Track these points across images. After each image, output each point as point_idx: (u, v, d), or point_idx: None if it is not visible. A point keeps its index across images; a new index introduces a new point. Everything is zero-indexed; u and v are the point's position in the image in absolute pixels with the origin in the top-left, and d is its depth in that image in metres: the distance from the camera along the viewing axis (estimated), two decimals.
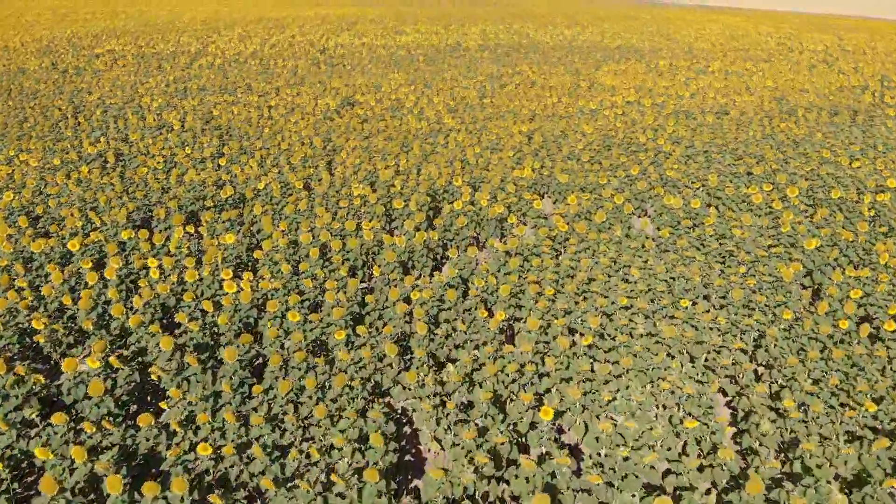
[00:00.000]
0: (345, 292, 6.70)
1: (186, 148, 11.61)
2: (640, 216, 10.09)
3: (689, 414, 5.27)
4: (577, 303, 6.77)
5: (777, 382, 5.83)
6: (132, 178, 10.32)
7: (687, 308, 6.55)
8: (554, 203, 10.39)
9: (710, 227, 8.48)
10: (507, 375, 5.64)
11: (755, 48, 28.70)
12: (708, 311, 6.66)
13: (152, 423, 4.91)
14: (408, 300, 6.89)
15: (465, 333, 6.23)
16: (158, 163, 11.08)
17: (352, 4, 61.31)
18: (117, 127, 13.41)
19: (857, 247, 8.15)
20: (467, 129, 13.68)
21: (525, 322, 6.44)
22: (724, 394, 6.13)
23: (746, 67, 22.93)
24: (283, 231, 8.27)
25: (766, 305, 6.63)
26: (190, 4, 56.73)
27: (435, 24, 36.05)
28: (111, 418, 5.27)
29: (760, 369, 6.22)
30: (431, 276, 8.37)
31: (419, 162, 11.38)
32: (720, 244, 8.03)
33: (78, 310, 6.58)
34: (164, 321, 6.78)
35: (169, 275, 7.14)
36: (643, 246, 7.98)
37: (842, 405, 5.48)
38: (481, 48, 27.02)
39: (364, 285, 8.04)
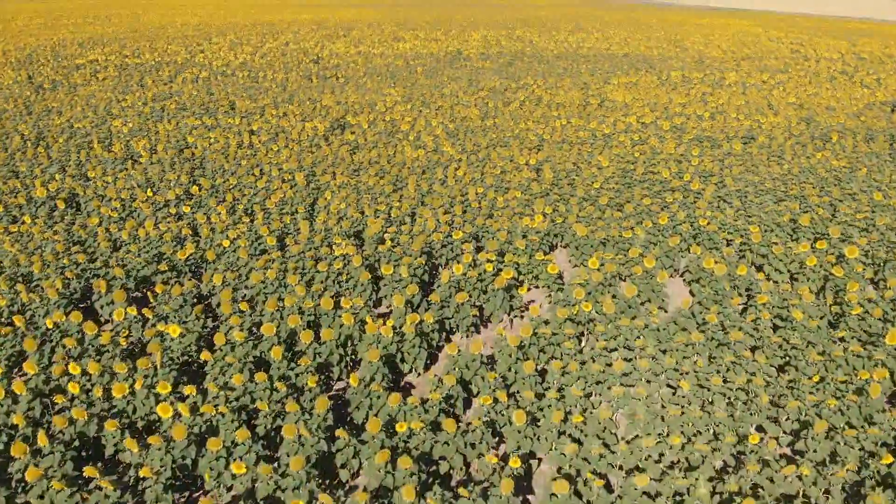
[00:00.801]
0: (306, 423, 5.10)
1: (149, 189, 10.00)
2: (671, 274, 8.50)
3: None
4: (612, 442, 5.17)
5: None
6: (79, 233, 8.72)
7: (758, 446, 4.96)
8: (570, 259, 8.79)
9: (764, 306, 6.89)
10: None
11: (768, 56, 27.04)
12: (783, 458, 5.07)
13: None
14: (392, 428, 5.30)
15: (470, 487, 4.64)
16: (114, 209, 9.50)
17: (350, 6, 59.54)
18: (79, 159, 11.80)
19: None
20: (468, 159, 12.07)
21: (543, 463, 4.87)
22: None
23: (764, 80, 21.29)
24: (242, 314, 6.68)
25: (859, 446, 5.02)
26: (187, 7, 55.07)
27: (435, 30, 34.36)
28: None
29: None
30: (427, 367, 6.79)
31: (414, 204, 9.78)
32: (782, 338, 6.41)
33: None
34: (83, 454, 5.20)
35: (91, 389, 5.56)
36: (688, 344, 6.32)
37: None
38: (483, 57, 25.37)
39: (342, 383, 6.46)
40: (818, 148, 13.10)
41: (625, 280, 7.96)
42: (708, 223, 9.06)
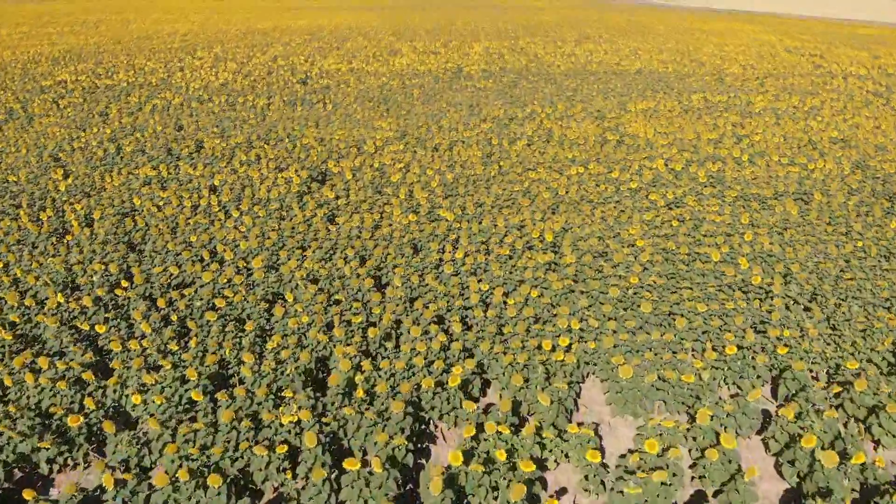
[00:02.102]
0: None
1: (59, 294, 7.57)
2: (749, 435, 6.09)
3: None
4: None
5: None
6: None
7: None
8: (606, 394, 6.39)
9: None
10: None
11: (792, 73, 24.49)
12: None
13: None
14: None
15: None
16: (10, 324, 7.11)
17: (349, 8, 56.80)
18: None
19: None
20: (469, 228, 9.64)
21: None
22: None
23: (794, 104, 18.79)
24: None
25: None
26: (183, 11, 52.48)
27: (434, 41, 31.79)
28: None
29: None
30: None
31: (400, 312, 7.36)
32: None
33: None
34: None
35: None
36: None
37: None
38: (485, 75, 22.85)
39: None
40: (886, 210, 10.66)
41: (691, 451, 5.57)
42: (788, 350, 6.64)
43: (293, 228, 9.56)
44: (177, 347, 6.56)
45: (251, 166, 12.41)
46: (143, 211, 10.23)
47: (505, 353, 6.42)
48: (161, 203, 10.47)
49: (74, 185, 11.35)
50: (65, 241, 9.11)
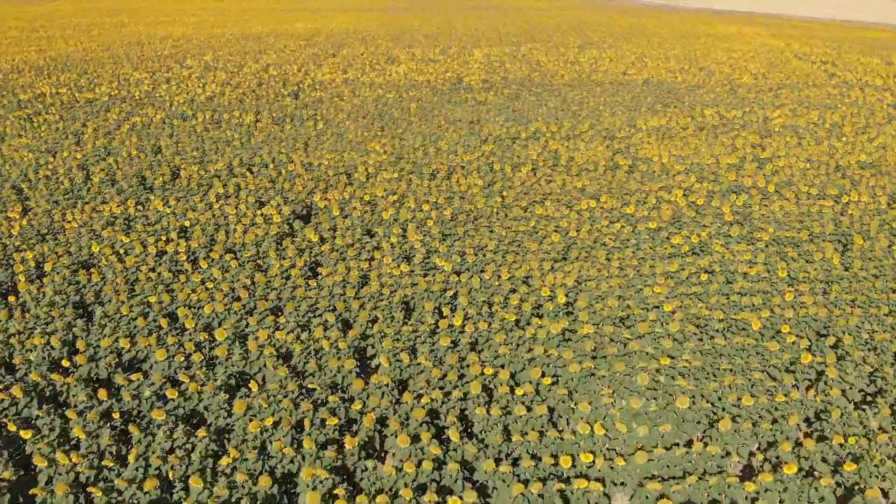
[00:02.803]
0: None
1: None
2: None
3: None
4: None
5: None
6: None
7: None
8: None
9: None
10: None
11: (805, 83, 23.13)
12: None
13: None
14: None
15: None
16: None
17: (349, 10, 55.29)
18: None
19: None
20: (468, 282, 8.35)
21: None
22: None
23: (814, 121, 17.46)
24: None
25: None
26: (180, 13, 51.12)
27: (433, 47, 30.41)
28: None
29: None
30: None
31: (377, 429, 6.09)
32: None
33: None
34: None
35: None
36: None
37: None
38: (485, 87, 21.51)
39: None
40: None
41: None
42: (856, 465, 5.36)
43: (268, 283, 8.27)
44: (112, 463, 5.29)
45: (229, 200, 11.11)
46: (101, 260, 8.93)
47: (514, 476, 5.14)
48: (122, 250, 9.18)
49: (31, 225, 10.06)
50: (6, 304, 7.83)
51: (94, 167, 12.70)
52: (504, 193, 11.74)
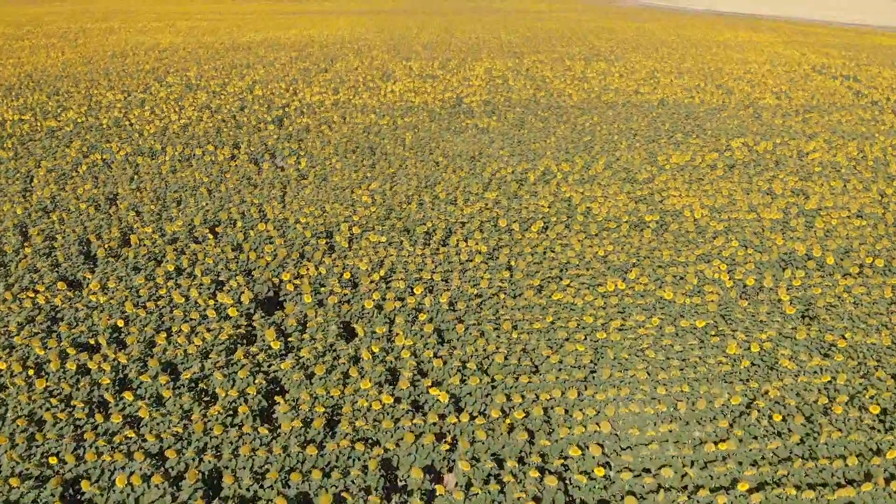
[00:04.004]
0: None
1: None
2: None
3: None
4: None
5: None
6: None
7: None
8: None
9: None
10: None
11: (831, 103, 20.91)
12: None
13: None
14: None
15: None
16: None
17: (346, 12, 52.80)
18: None
19: None
20: (471, 435, 6.24)
21: None
22: None
23: (853, 156, 15.28)
24: None
25: None
26: (172, 18, 48.80)
27: (432, 60, 28.14)
28: None
29: None
30: None
31: None
32: None
33: None
34: None
35: None
36: None
37: None
38: (488, 110, 19.30)
39: None
40: None
41: None
42: None
43: (206, 429, 6.14)
44: None
45: (181, 279, 8.96)
46: (6, 383, 6.80)
47: None
48: (33, 371, 7.03)
49: None
50: None
51: (32, 229, 10.54)
52: (512, 263, 9.61)
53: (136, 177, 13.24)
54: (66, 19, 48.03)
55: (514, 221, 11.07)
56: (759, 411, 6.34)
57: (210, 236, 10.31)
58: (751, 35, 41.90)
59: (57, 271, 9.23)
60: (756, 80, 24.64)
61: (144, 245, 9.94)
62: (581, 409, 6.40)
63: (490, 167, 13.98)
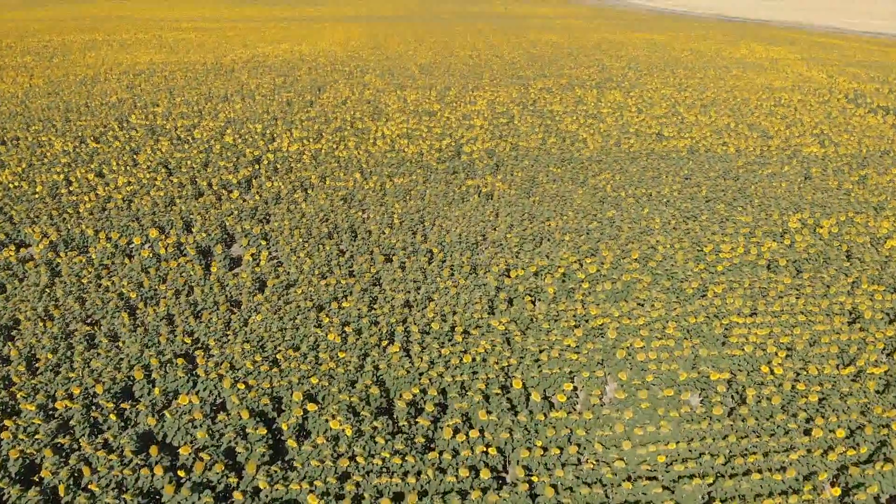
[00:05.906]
0: None
1: None
2: None
3: None
4: None
5: None
6: None
7: None
8: None
9: None
10: None
11: (885, 151, 17.55)
12: None
13: None
14: None
15: None
16: None
17: (344, 20, 49.08)
18: None
19: None
20: None
21: None
22: None
23: None
24: None
25: None
26: (160, 31, 45.22)
27: (430, 89, 24.68)
28: None
29: None
30: None
31: None
32: None
33: None
34: None
35: None
36: None
37: None
38: (492, 164, 15.97)
39: None
40: None
41: None
42: None
43: None
44: None
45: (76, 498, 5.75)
46: None
47: None
48: None
49: None
50: None
51: None
52: (536, 494, 6.40)
53: (47, 292, 9.98)
54: (51, 30, 44.41)
55: (533, 388, 7.84)
56: None
57: (113, 416, 7.09)
58: (767, 49, 38.29)
59: None
60: (790, 115, 21.23)
61: (19, 440, 6.71)
62: None
63: (496, 264, 10.72)
